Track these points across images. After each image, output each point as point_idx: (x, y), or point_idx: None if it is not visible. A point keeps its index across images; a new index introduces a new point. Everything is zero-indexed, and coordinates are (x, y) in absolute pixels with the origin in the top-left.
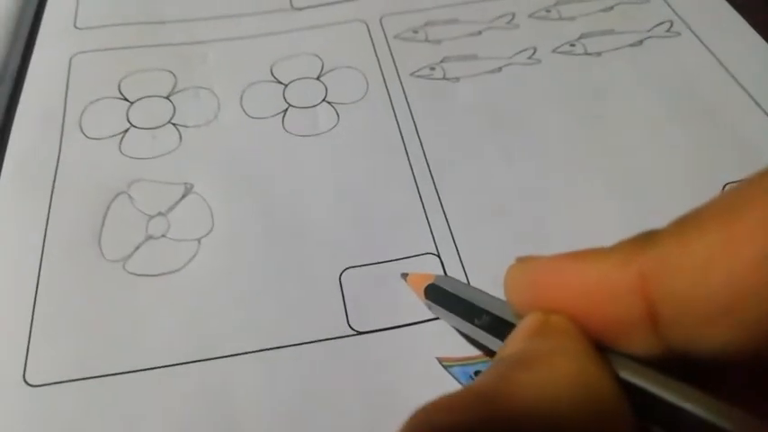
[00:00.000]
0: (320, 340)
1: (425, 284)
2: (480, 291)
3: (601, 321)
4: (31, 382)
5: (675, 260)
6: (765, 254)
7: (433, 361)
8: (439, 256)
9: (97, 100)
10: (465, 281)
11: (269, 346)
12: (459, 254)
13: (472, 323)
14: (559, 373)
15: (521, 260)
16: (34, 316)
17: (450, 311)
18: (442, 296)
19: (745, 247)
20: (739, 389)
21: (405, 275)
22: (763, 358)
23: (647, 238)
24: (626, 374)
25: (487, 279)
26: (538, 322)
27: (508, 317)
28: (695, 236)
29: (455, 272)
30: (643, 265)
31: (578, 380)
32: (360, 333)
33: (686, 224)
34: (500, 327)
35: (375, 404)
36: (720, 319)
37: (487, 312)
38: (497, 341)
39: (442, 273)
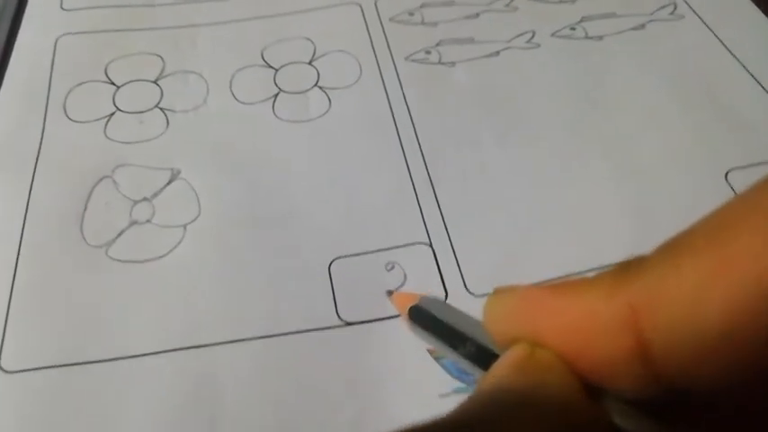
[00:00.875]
0: (309, 330)
1: (410, 305)
2: (467, 315)
3: (587, 358)
4: (6, 368)
5: (666, 288)
6: (763, 276)
7: (423, 352)
8: (431, 246)
9: (83, 83)
10: (457, 270)
11: (256, 336)
12: (451, 243)
13: (456, 350)
14: (541, 408)
15: (499, 291)
16: (11, 301)
17: (433, 336)
18: (427, 319)
19: (741, 269)
20: (733, 420)
21: (390, 293)
22: (760, 389)
23: (636, 266)
24: (620, 420)
25: (480, 270)
26: (523, 355)
27: (494, 347)
28: (686, 260)
29: (447, 261)
30: (631, 296)
31: (562, 417)
32: (349, 324)
33: (674, 248)
34: (485, 356)
35: (363, 395)
36: (717, 348)
37: (472, 341)
38: (481, 371)
39: (433, 262)
